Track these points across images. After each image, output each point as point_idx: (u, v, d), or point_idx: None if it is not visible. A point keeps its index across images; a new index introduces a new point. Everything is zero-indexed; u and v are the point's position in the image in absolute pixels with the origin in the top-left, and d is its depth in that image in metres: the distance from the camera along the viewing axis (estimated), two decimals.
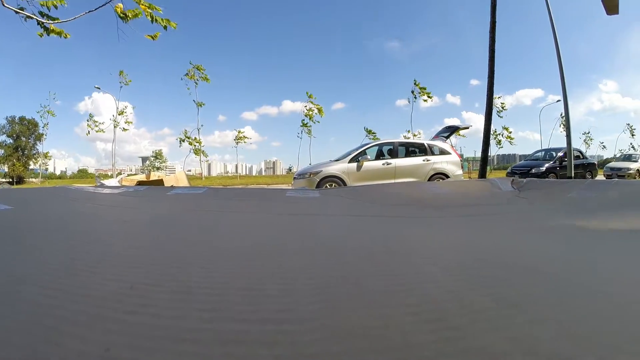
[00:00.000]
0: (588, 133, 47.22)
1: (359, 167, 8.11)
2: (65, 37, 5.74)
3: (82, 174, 67.38)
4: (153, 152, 51.61)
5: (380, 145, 9.00)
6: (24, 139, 41.21)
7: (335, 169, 8.06)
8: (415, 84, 26.78)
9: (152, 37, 6.06)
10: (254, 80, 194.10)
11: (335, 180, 7.91)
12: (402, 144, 9.05)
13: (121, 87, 29.13)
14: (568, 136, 9.94)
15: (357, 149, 8.46)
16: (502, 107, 30.55)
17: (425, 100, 26.65)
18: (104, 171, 67.49)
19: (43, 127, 32.37)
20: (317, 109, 27.23)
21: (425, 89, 26.28)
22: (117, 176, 11.66)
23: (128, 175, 11.40)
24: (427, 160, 8.56)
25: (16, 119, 40.93)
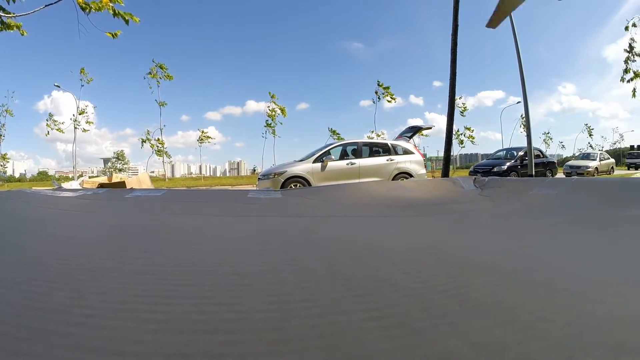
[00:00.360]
0: (548, 133, 48.77)
1: (323, 167, 8.14)
2: (23, 34, 5.53)
3: (43, 176, 64.07)
4: (115, 153, 50.54)
5: (345, 146, 9.06)
6: None
7: (300, 169, 8.07)
8: (378, 84, 26.91)
9: (112, 35, 5.91)
10: (217, 80, 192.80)
11: (300, 180, 7.93)
12: (366, 144, 9.15)
13: (82, 85, 27.86)
14: (528, 136, 10.31)
15: (321, 149, 8.50)
16: (464, 108, 31.13)
17: (389, 101, 26.83)
18: (64, 173, 65.08)
19: (1, 128, 30.54)
20: (280, 109, 27.13)
21: (389, 88, 26.41)
22: (78, 178, 11.37)
23: (89, 177, 11.12)
24: (391, 160, 8.68)
25: None
